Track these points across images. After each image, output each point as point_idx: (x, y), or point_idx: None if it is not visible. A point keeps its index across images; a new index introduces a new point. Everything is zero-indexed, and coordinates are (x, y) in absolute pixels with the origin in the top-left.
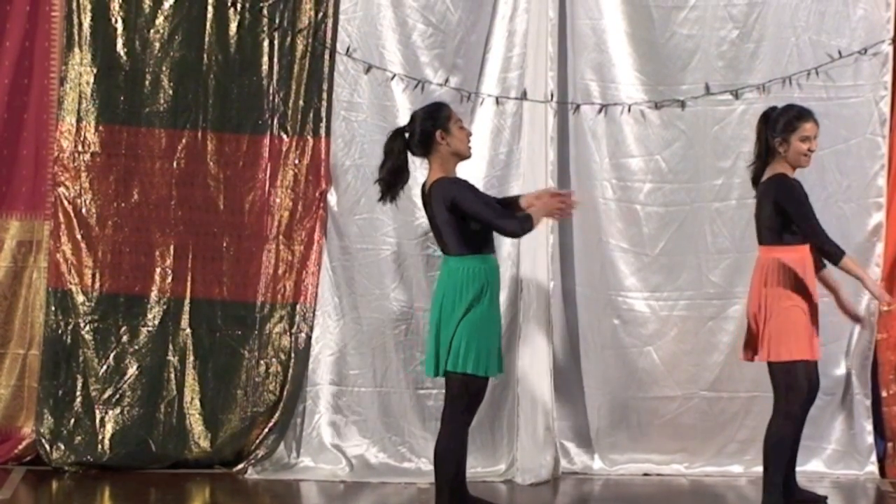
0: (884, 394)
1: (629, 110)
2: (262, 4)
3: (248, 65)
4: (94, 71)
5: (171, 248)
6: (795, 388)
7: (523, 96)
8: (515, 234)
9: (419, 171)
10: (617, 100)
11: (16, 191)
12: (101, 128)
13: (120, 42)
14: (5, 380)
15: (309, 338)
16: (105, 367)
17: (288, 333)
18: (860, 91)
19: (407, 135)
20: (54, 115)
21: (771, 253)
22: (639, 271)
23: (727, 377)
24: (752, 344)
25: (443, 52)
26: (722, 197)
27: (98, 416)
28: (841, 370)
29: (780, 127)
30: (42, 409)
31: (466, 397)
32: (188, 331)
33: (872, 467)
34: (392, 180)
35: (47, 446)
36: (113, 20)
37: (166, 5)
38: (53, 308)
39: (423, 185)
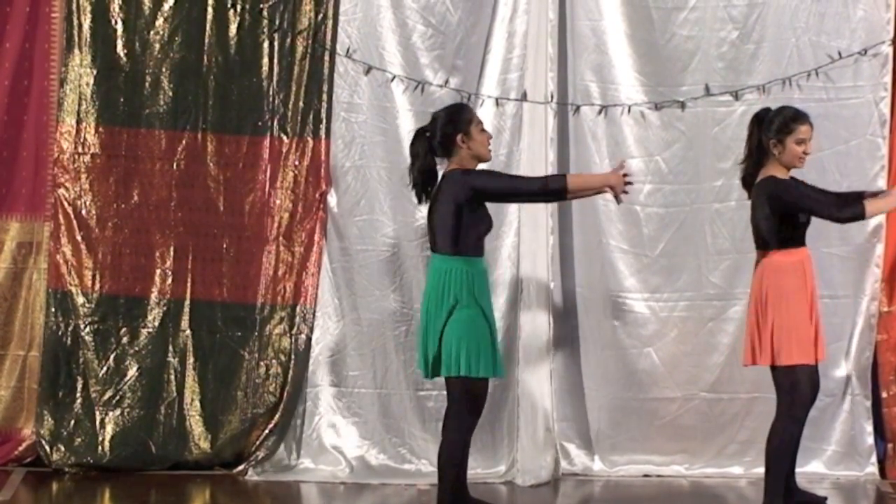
0: (884, 395)
1: (629, 111)
2: (261, 6)
3: (247, 66)
4: (94, 72)
5: (171, 249)
6: (799, 391)
7: (523, 97)
8: (541, 189)
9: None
10: (617, 101)
11: (16, 192)
12: (101, 129)
13: (120, 43)
14: (5, 381)
15: (309, 339)
16: (105, 368)
17: (288, 335)
18: (860, 92)
19: (428, 135)
20: (54, 117)
21: (769, 257)
22: (639, 272)
23: (727, 378)
24: (753, 349)
25: (443, 54)
26: (722, 198)
27: (98, 418)
28: (841, 371)
29: (775, 128)
30: (42, 411)
31: (467, 400)
32: (188, 332)
33: (872, 468)
34: (423, 180)
35: (47, 448)
36: (113, 21)
37: (166, 7)
38: (53, 309)
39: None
